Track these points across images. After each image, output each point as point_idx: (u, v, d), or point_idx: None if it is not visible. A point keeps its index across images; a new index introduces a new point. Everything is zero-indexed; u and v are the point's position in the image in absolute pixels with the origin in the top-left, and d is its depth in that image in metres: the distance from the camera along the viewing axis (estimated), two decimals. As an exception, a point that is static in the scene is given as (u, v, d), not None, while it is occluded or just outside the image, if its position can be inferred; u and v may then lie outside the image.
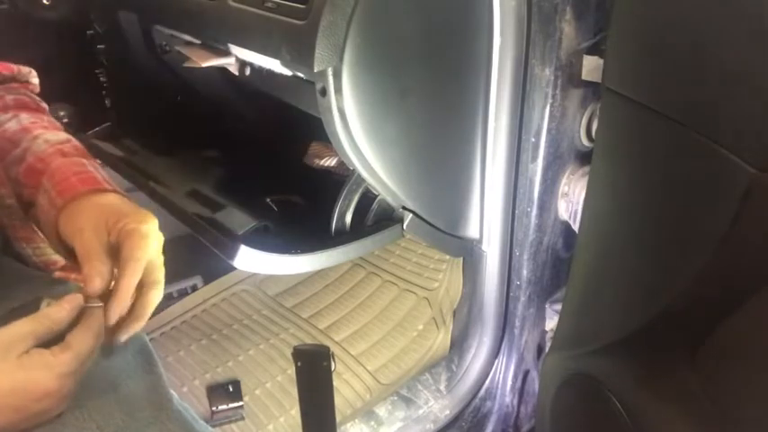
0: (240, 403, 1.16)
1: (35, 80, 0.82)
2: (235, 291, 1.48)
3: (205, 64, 1.02)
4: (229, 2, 0.89)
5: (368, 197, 0.99)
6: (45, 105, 0.81)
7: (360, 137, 0.81)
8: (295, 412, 1.14)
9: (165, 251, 0.62)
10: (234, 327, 1.37)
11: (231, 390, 1.18)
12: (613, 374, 0.80)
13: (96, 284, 0.56)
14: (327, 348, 0.83)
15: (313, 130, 1.00)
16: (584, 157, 0.99)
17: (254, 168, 1.29)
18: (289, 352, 1.25)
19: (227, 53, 1.02)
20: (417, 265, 1.46)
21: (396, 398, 1.15)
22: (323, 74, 0.76)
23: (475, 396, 1.17)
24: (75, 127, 1.44)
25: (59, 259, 0.75)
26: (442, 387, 1.18)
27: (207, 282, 1.49)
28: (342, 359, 1.27)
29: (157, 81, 1.35)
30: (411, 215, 0.96)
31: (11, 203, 0.69)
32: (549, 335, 1.15)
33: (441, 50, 0.86)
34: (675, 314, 0.68)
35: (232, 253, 0.86)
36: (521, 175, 0.97)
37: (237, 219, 0.95)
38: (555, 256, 1.07)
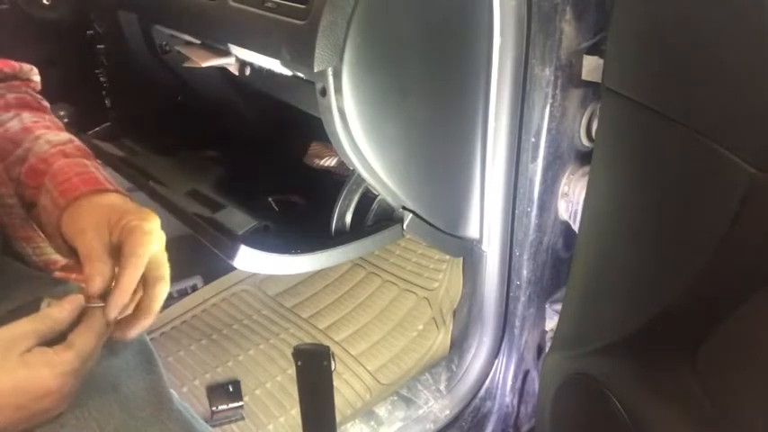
0: (240, 403, 1.16)
1: (36, 78, 0.82)
2: (235, 291, 1.48)
3: (205, 64, 1.02)
4: (229, 2, 0.89)
5: (368, 197, 0.99)
6: (47, 104, 0.81)
7: (360, 137, 0.81)
8: (295, 412, 1.14)
9: (165, 251, 0.62)
10: (234, 327, 1.37)
11: (231, 390, 1.18)
12: (613, 374, 0.80)
13: (97, 284, 0.56)
14: (327, 348, 0.83)
15: (313, 130, 1.00)
16: (584, 157, 0.99)
17: (254, 168, 1.29)
18: (289, 352, 1.25)
19: (227, 53, 1.02)
20: (417, 265, 1.46)
21: (396, 398, 1.15)
22: (323, 74, 0.76)
23: (475, 396, 1.18)
24: (76, 127, 1.44)
25: (59, 259, 0.75)
26: (441, 387, 1.18)
27: (207, 282, 1.49)
28: (342, 359, 1.27)
29: (157, 81, 1.35)
30: (411, 215, 0.96)
31: (11, 203, 0.69)
32: (549, 335, 1.15)
33: (441, 50, 0.86)
34: (675, 314, 0.68)
35: (232, 253, 0.86)
36: (521, 175, 0.97)
37: (237, 219, 0.95)
38: (555, 256, 1.07)
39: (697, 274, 0.63)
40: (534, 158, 0.94)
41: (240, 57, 1.00)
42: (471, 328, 1.17)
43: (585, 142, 0.97)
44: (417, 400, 1.15)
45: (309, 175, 1.27)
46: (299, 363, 0.85)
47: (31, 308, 0.55)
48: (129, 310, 0.59)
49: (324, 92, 0.78)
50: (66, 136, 0.72)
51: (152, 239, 0.59)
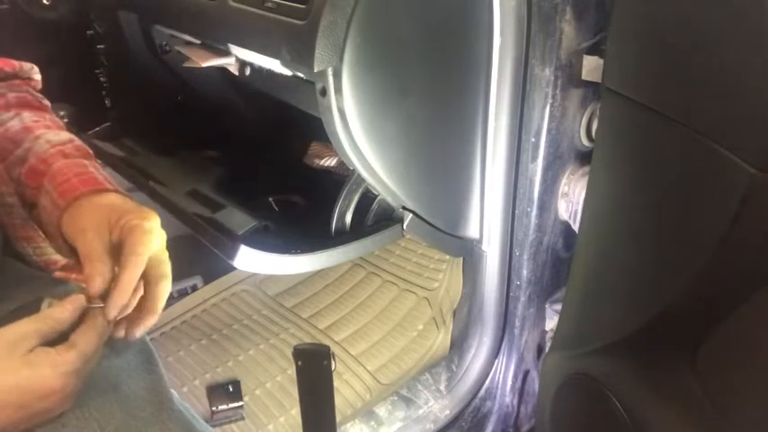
0: (240, 403, 1.16)
1: (37, 76, 0.82)
2: (235, 291, 1.48)
3: (205, 64, 1.02)
4: (229, 2, 0.89)
5: (368, 197, 0.99)
6: (47, 103, 0.81)
7: (360, 137, 0.81)
8: (295, 412, 1.14)
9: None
10: (234, 327, 1.37)
11: (231, 390, 1.18)
12: (613, 374, 0.80)
13: (97, 285, 0.56)
14: (328, 348, 0.83)
15: (313, 130, 1.00)
16: (584, 157, 0.99)
17: (254, 168, 1.29)
18: (289, 352, 1.25)
19: (227, 53, 1.02)
20: (417, 265, 1.46)
21: (396, 398, 1.15)
22: (323, 74, 0.76)
23: (475, 396, 1.18)
24: (76, 127, 1.44)
25: (60, 258, 0.75)
26: (442, 387, 1.18)
27: (207, 282, 1.49)
28: (342, 359, 1.27)
29: (157, 81, 1.35)
30: (411, 215, 0.96)
31: (11, 202, 0.69)
32: (549, 335, 1.15)
33: (441, 50, 0.86)
34: (675, 314, 0.68)
35: (232, 253, 0.86)
36: (521, 175, 0.97)
37: (237, 219, 0.95)
38: (555, 256, 1.07)
39: (697, 274, 0.63)
40: (534, 158, 0.94)
41: (240, 57, 1.00)
42: (471, 328, 1.18)
43: (585, 142, 0.97)
44: (417, 400, 1.15)
45: (309, 175, 1.27)
46: (299, 362, 0.85)
47: (31, 308, 0.55)
48: (130, 310, 0.59)
49: (324, 92, 0.78)
50: (66, 135, 0.72)
51: (152, 238, 0.59)
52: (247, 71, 1.02)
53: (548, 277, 1.09)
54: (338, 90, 0.77)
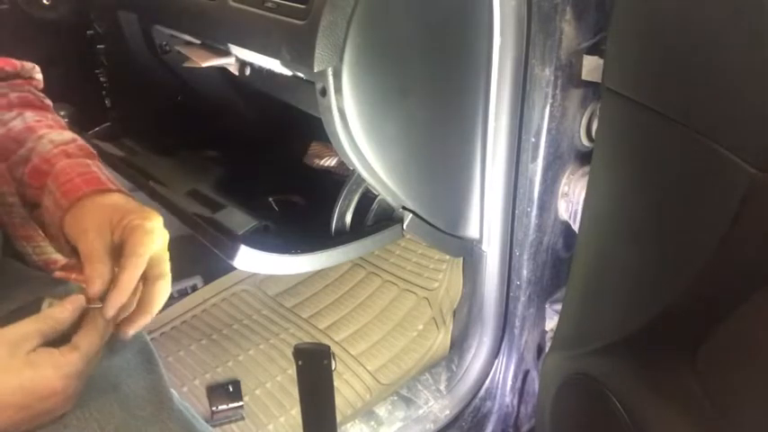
0: (240, 403, 1.16)
1: (39, 76, 0.82)
2: (235, 291, 1.48)
3: (205, 64, 1.02)
4: (229, 2, 0.89)
5: (368, 197, 0.99)
6: (49, 102, 0.81)
7: (360, 137, 0.81)
8: (295, 412, 1.14)
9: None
10: (234, 327, 1.37)
11: (231, 390, 1.18)
12: (613, 374, 0.80)
13: (97, 286, 0.56)
14: (328, 347, 0.83)
15: (313, 130, 1.00)
16: (584, 157, 0.99)
17: (254, 168, 1.29)
18: (289, 352, 1.25)
19: (227, 53, 1.02)
20: (417, 265, 1.46)
21: (396, 398, 1.15)
22: (323, 74, 0.76)
23: (475, 396, 1.18)
24: (76, 127, 1.44)
25: (59, 258, 0.75)
26: (442, 387, 1.18)
27: (207, 282, 1.49)
28: (342, 359, 1.27)
29: (157, 81, 1.35)
30: (411, 215, 0.96)
31: (12, 201, 0.69)
32: (549, 335, 1.15)
33: (441, 50, 0.86)
34: (675, 314, 0.68)
35: (232, 253, 0.86)
36: (521, 175, 0.97)
37: (237, 219, 0.95)
38: (555, 256, 1.07)
39: (697, 274, 0.63)
40: (534, 158, 0.94)
41: (240, 57, 1.00)
42: (471, 328, 1.18)
43: (585, 142, 0.97)
44: (417, 400, 1.15)
45: (309, 175, 1.27)
46: (300, 362, 0.85)
47: (31, 308, 0.55)
48: (130, 310, 0.59)
49: (324, 92, 0.78)
50: (69, 135, 0.72)
51: (153, 239, 0.59)
52: (247, 71, 1.02)
53: (548, 277, 1.09)
54: (338, 90, 0.77)
